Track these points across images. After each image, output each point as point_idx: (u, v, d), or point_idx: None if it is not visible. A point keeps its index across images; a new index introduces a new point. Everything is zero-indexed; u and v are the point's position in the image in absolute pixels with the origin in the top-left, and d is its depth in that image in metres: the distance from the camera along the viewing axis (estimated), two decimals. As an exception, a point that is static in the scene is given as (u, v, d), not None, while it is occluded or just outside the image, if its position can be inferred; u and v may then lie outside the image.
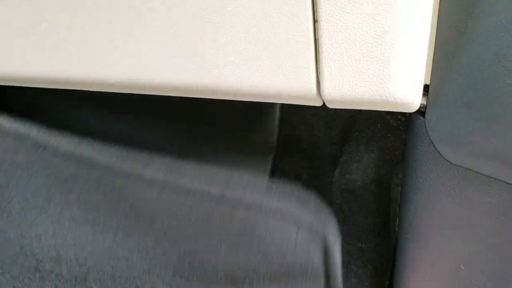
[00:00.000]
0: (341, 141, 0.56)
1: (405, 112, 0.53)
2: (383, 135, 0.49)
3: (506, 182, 0.27)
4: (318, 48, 0.28)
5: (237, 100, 0.33)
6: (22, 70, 0.36)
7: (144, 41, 0.31)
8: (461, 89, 0.27)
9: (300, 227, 0.38)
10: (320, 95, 0.29)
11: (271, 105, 0.62)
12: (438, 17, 0.27)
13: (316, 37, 0.27)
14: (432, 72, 0.29)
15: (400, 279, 0.38)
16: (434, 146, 0.29)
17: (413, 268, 0.34)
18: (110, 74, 0.34)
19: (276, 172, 0.59)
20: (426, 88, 0.29)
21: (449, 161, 0.29)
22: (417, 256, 0.33)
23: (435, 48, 0.28)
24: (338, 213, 0.53)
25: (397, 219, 0.52)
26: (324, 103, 0.30)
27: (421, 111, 0.30)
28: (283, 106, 0.62)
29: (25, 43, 0.34)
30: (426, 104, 0.29)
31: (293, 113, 0.60)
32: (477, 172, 0.29)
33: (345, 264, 0.53)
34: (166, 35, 0.30)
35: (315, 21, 0.27)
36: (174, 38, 0.30)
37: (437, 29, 0.28)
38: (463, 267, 0.32)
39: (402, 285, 0.37)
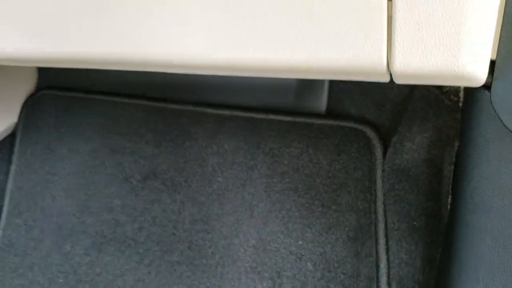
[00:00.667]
0: (392, 122, 0.57)
1: (458, 93, 0.54)
2: (437, 115, 0.50)
3: None
4: (391, 21, 0.29)
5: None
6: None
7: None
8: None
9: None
10: (389, 69, 0.31)
11: (320, 88, 0.64)
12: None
13: (389, 12, 0.29)
14: (498, 47, 0.30)
15: (458, 251, 0.39)
16: (500, 119, 0.31)
17: (474, 240, 0.36)
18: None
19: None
20: (492, 64, 0.30)
21: (514, 133, 0.31)
22: (480, 227, 0.34)
23: (502, 24, 0.29)
24: (390, 192, 0.55)
25: (449, 197, 0.53)
26: (391, 78, 0.32)
27: (486, 86, 0.31)
28: (331, 87, 0.64)
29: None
30: (492, 79, 0.31)
31: (341, 95, 0.62)
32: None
33: (396, 242, 0.55)
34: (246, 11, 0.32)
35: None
36: (255, 16, 0.32)
37: (505, 5, 0.29)
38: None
39: (460, 258, 0.39)
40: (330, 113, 0.62)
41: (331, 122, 0.60)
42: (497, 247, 0.33)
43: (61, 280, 0.70)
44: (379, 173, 0.55)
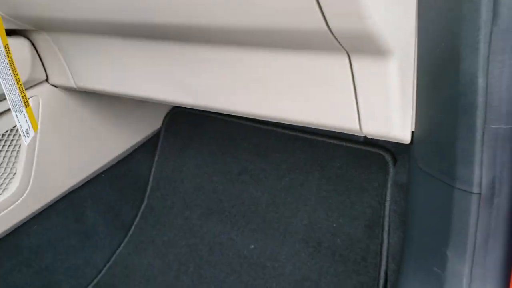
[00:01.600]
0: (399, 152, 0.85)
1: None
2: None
3: (447, 183, 0.55)
4: (359, 105, 0.59)
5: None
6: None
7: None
8: (426, 135, 0.56)
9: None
10: (362, 131, 0.61)
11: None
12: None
13: (357, 99, 0.59)
14: (415, 125, 0.58)
15: (408, 234, 0.67)
16: (416, 162, 0.58)
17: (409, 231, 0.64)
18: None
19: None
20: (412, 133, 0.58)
21: (423, 170, 0.59)
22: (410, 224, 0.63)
23: (416, 114, 0.57)
24: (393, 198, 0.83)
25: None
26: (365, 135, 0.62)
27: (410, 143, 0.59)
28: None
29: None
30: (412, 139, 0.58)
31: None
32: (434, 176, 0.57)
33: (394, 230, 0.82)
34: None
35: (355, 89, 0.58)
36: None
37: (416, 107, 0.57)
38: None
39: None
40: (365, 141, 0.91)
41: (363, 147, 0.89)
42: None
43: (181, 234, 1.08)
44: (389, 185, 0.83)
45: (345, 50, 0.54)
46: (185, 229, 1.08)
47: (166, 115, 1.21)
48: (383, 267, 0.82)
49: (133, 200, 1.14)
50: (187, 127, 1.16)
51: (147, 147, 1.17)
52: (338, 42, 0.52)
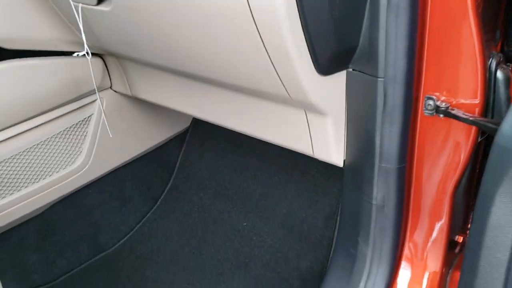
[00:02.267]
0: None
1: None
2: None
3: (359, 196, 0.88)
4: (312, 140, 0.93)
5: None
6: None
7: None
8: (350, 164, 0.90)
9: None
10: (314, 155, 0.95)
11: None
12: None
13: (311, 136, 0.92)
14: (345, 155, 0.91)
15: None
16: (345, 178, 0.92)
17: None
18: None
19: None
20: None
21: (347, 185, 0.92)
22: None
23: (346, 148, 0.90)
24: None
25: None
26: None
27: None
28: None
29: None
30: (343, 165, 0.92)
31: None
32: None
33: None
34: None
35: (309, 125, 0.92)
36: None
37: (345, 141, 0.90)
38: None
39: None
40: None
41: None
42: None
43: (195, 208, 1.44)
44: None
45: (300, 107, 0.88)
46: (198, 205, 1.44)
47: (193, 119, 1.57)
48: (333, 248, 1.16)
49: (162, 179, 1.51)
50: (207, 129, 1.52)
51: (176, 141, 1.53)
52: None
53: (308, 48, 0.74)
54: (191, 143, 1.54)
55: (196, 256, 1.31)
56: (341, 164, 0.93)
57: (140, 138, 1.42)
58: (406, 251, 0.93)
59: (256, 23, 0.72)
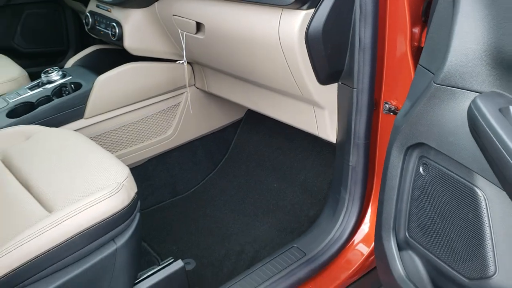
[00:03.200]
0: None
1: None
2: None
3: (342, 161, 1.43)
4: (317, 124, 1.50)
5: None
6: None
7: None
8: (339, 141, 1.46)
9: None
10: (319, 135, 1.52)
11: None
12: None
13: (316, 121, 1.49)
14: (337, 136, 1.46)
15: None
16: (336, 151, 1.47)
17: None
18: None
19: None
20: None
21: (337, 155, 1.48)
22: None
23: (337, 130, 1.46)
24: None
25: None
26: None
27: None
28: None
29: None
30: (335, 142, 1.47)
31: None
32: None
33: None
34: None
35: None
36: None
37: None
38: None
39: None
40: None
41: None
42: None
43: (241, 174, 2.04)
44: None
45: (310, 103, 1.46)
46: (245, 171, 2.04)
47: (246, 112, 2.18)
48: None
49: (221, 151, 2.13)
50: (255, 120, 2.12)
51: (234, 125, 2.15)
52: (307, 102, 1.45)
53: (313, 70, 1.33)
54: (243, 128, 2.16)
55: (240, 204, 1.92)
56: (334, 141, 1.50)
57: (209, 121, 2.05)
58: (372, 196, 1.48)
59: (284, 52, 1.32)
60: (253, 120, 2.15)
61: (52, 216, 1.11)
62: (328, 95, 1.41)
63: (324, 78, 1.35)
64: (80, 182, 1.22)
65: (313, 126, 1.53)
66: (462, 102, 0.93)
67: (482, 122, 0.85)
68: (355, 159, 1.41)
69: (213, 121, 2.07)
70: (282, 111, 1.61)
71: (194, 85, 1.95)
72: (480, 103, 0.87)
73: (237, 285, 1.35)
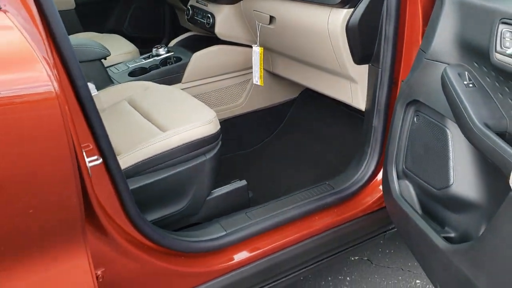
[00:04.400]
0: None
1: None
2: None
3: (367, 123, 1.94)
4: (352, 94, 2.02)
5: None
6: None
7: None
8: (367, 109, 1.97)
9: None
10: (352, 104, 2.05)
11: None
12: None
13: (351, 92, 2.01)
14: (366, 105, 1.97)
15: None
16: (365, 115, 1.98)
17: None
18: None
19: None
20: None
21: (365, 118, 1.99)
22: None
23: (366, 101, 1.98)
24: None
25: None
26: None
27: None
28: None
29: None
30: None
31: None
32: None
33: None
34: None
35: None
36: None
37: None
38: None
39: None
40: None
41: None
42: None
43: (292, 140, 2.60)
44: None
45: (347, 79, 2.00)
46: (295, 139, 2.59)
47: (300, 92, 2.74)
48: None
49: (277, 122, 2.69)
50: (307, 100, 2.67)
51: (289, 102, 2.72)
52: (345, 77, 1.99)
53: (351, 53, 1.86)
54: (297, 105, 2.72)
55: (290, 160, 2.47)
56: (363, 109, 2.03)
57: (271, 97, 2.63)
58: (386, 152, 1.99)
59: (330, 39, 1.87)
60: (305, 100, 2.70)
61: (165, 133, 1.72)
62: (361, 72, 1.94)
63: (358, 59, 1.89)
64: (184, 115, 1.82)
65: (348, 97, 2.06)
66: (440, 70, 1.43)
67: (447, 81, 1.36)
68: (377, 121, 1.93)
69: (274, 97, 2.64)
70: (326, 85, 2.15)
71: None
72: (448, 70, 1.38)
73: (275, 203, 1.86)
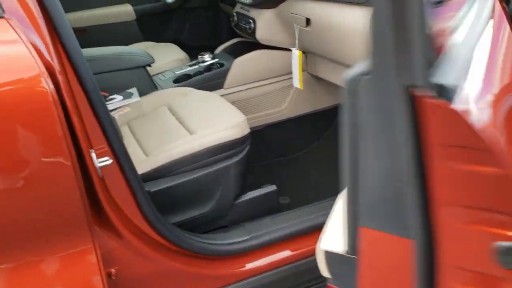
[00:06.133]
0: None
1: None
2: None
3: None
4: None
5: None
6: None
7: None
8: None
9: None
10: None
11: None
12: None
13: None
14: None
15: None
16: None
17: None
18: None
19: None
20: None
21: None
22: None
23: None
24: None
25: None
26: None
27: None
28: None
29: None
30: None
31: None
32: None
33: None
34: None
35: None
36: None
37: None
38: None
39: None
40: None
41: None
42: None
43: (336, 146, 2.52)
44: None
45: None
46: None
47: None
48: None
49: (325, 126, 2.63)
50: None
51: (335, 108, 2.64)
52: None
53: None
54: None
55: (332, 166, 2.39)
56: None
57: (316, 102, 2.57)
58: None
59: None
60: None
61: (194, 135, 1.75)
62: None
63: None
64: (213, 119, 1.84)
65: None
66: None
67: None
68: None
69: (318, 101, 2.58)
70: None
71: (306, 70, 2.49)
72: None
73: (303, 210, 1.81)
